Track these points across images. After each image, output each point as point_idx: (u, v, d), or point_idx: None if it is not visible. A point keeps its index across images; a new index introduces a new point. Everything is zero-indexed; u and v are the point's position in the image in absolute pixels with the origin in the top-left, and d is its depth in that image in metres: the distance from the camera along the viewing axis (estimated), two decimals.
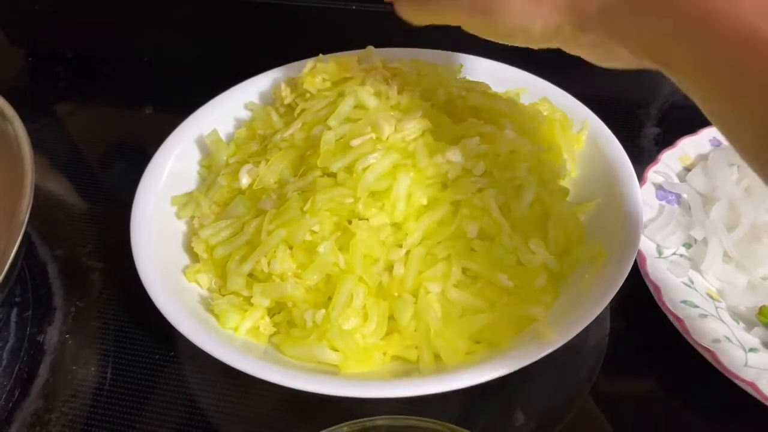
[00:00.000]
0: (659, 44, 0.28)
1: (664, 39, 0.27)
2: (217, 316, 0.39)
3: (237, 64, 0.57)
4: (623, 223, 0.40)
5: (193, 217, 0.45)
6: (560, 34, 0.31)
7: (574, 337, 0.35)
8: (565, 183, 0.45)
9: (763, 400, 0.35)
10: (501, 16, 0.32)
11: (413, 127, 0.41)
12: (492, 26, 0.33)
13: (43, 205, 0.52)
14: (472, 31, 0.35)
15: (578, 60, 0.34)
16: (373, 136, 0.41)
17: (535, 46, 0.33)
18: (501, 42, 0.34)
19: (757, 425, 0.37)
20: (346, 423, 0.30)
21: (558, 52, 0.34)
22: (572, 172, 0.46)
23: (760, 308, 0.40)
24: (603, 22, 0.29)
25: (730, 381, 0.36)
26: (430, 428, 0.29)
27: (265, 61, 0.54)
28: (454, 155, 0.40)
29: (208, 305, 0.40)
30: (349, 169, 0.40)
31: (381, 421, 0.30)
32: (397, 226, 0.40)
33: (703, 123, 0.46)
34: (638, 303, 0.42)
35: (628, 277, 0.37)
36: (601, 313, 0.43)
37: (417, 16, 0.37)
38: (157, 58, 0.70)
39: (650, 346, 0.42)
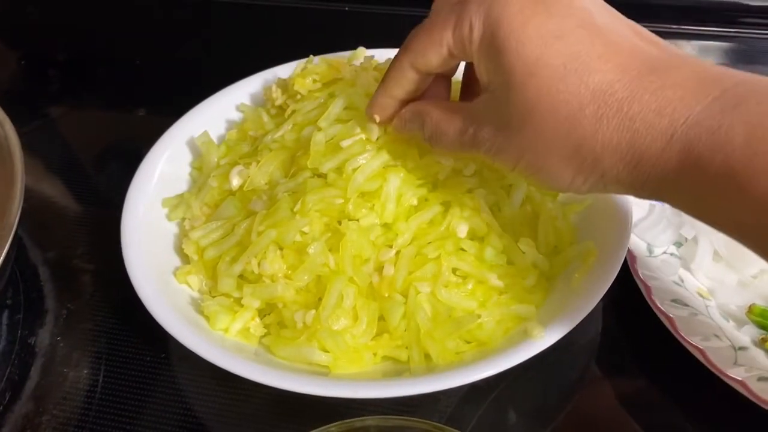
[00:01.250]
0: (714, 210, 0.28)
1: (723, 210, 0.28)
2: (207, 318, 0.39)
3: (229, 65, 0.57)
4: (613, 223, 0.40)
5: (184, 219, 0.45)
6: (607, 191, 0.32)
7: (565, 337, 0.35)
8: None
9: (753, 399, 0.35)
10: (547, 179, 0.32)
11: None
12: (538, 182, 0.34)
13: (34, 207, 0.52)
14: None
15: None
16: (363, 137, 0.41)
17: None
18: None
19: (746, 423, 0.37)
20: (335, 423, 0.30)
21: None
22: None
23: (750, 306, 0.40)
24: (657, 191, 0.29)
25: (720, 379, 0.36)
26: (418, 428, 0.29)
27: (258, 63, 0.54)
28: (445, 161, 0.40)
29: (198, 307, 0.40)
30: (339, 169, 0.40)
31: (370, 421, 0.30)
32: (387, 226, 0.40)
33: None
34: (630, 302, 0.42)
35: (619, 276, 0.37)
36: (592, 313, 0.43)
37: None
38: (149, 61, 0.70)
39: (641, 344, 0.42)
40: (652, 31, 0.32)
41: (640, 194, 0.30)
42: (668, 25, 0.67)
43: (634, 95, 0.28)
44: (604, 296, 0.37)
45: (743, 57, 0.66)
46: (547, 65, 0.29)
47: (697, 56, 0.65)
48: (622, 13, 0.32)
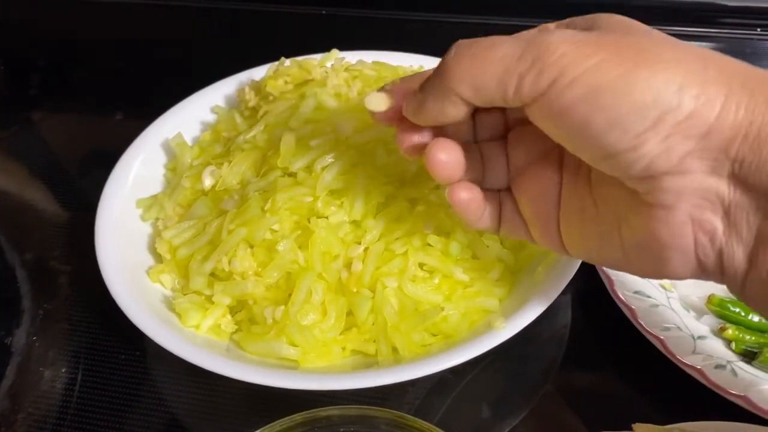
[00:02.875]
0: None
1: None
2: (179, 315, 0.40)
3: (207, 69, 0.57)
4: None
5: (157, 219, 0.46)
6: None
7: (533, 329, 0.36)
8: None
9: (710, 386, 0.36)
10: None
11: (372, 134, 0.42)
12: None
13: (12, 209, 0.53)
14: None
15: None
16: (333, 136, 0.42)
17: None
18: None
19: (705, 410, 0.38)
20: (300, 413, 0.31)
21: None
22: None
23: (709, 297, 0.42)
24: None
25: (680, 368, 0.37)
26: (380, 416, 0.30)
27: (236, 66, 0.55)
28: (410, 160, 0.41)
29: (171, 305, 0.41)
30: (308, 168, 0.41)
31: (333, 410, 0.31)
32: (355, 223, 0.40)
33: None
34: (597, 295, 0.43)
35: (586, 270, 0.38)
36: (560, 305, 0.44)
37: None
38: (127, 65, 0.71)
39: (607, 335, 0.43)
40: None
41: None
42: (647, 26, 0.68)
43: None
44: (571, 289, 0.37)
45: None
46: None
47: None
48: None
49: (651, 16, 0.67)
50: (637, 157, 0.25)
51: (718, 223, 0.26)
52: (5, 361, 0.43)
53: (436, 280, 0.39)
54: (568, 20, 0.30)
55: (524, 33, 0.28)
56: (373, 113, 0.32)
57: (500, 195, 0.33)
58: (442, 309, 0.38)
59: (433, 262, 0.39)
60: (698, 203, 0.25)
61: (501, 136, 0.33)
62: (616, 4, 0.72)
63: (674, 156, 0.25)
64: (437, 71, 0.28)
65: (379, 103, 0.32)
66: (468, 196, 0.31)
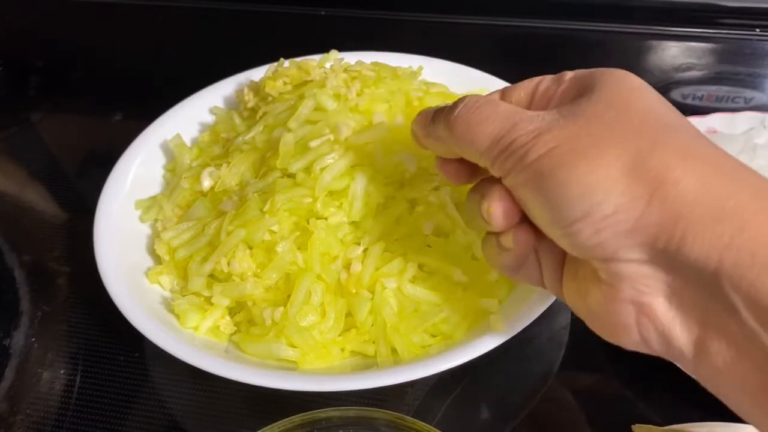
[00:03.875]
0: None
1: None
2: (177, 316, 0.39)
3: (206, 69, 0.57)
4: None
5: (156, 220, 0.46)
6: None
7: (532, 330, 0.36)
8: None
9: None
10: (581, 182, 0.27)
11: (371, 135, 0.42)
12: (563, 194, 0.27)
13: (11, 211, 0.53)
14: None
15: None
16: (332, 137, 0.42)
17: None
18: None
19: (705, 411, 0.38)
20: (299, 415, 0.31)
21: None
22: None
23: None
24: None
25: (683, 372, 0.37)
26: (379, 418, 0.30)
27: (235, 67, 0.55)
28: (409, 161, 0.41)
29: (169, 306, 0.40)
30: (307, 169, 0.41)
31: (332, 412, 0.31)
32: (355, 224, 0.40)
33: None
34: None
35: None
36: (560, 306, 0.44)
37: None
38: (126, 66, 0.71)
39: None
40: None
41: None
42: (645, 26, 0.68)
43: None
44: None
45: (725, 58, 0.67)
46: None
47: (678, 57, 0.67)
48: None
49: (651, 17, 0.68)
50: (573, 244, 0.27)
51: (658, 307, 0.26)
52: (4, 363, 0.43)
53: (435, 281, 0.39)
54: (572, 74, 0.30)
55: (522, 96, 0.31)
56: (415, 134, 0.35)
57: None
58: (442, 310, 0.38)
59: (433, 263, 0.39)
60: (638, 286, 0.26)
61: None
62: (616, 4, 0.72)
63: (608, 248, 0.26)
64: (445, 120, 0.31)
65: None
66: (529, 239, 0.31)
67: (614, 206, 0.25)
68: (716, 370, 0.25)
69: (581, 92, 0.29)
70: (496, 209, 0.30)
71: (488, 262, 0.33)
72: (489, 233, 0.33)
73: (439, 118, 0.32)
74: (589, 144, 0.26)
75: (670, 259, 0.24)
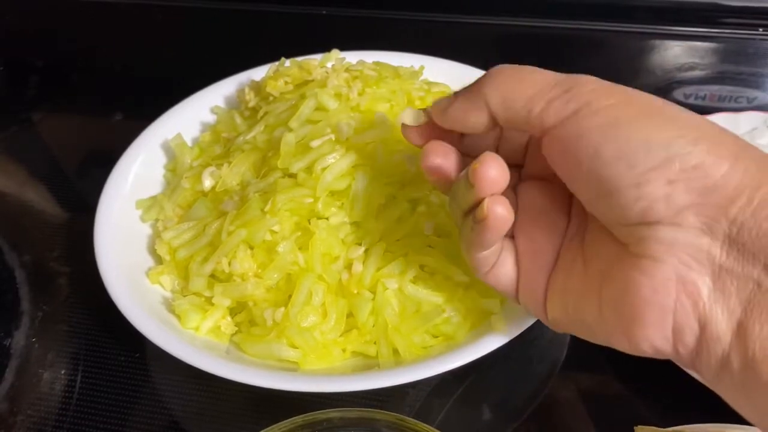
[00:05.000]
0: None
1: None
2: (178, 317, 0.39)
3: (207, 69, 0.57)
4: None
5: (157, 220, 0.45)
6: None
7: (536, 331, 0.36)
8: None
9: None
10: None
11: (372, 135, 0.42)
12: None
13: (11, 211, 0.53)
14: None
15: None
16: (333, 137, 0.41)
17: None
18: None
19: (707, 412, 0.38)
20: (300, 416, 0.31)
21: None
22: None
23: None
24: None
25: (686, 373, 0.37)
26: (380, 419, 0.30)
27: (236, 67, 0.55)
28: (410, 161, 0.41)
29: (170, 306, 0.40)
30: (308, 169, 0.41)
31: (333, 413, 0.30)
32: (356, 224, 0.40)
33: None
34: None
35: None
36: None
37: None
38: (126, 66, 0.71)
39: None
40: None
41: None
42: (647, 26, 0.68)
43: None
44: None
45: (727, 58, 0.67)
46: None
47: (681, 57, 0.67)
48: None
49: (652, 16, 0.68)
50: (637, 197, 0.25)
51: (703, 287, 0.25)
52: (4, 363, 0.43)
53: (437, 282, 0.39)
54: None
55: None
56: (404, 128, 0.34)
57: (503, 241, 0.32)
58: (443, 311, 0.37)
59: (434, 263, 0.39)
60: (686, 261, 0.25)
61: (513, 185, 0.33)
62: (616, 4, 0.72)
63: (673, 204, 0.25)
64: (477, 79, 0.30)
65: (413, 118, 0.34)
66: (504, 213, 0.29)
67: (699, 159, 0.24)
68: (752, 360, 0.23)
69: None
70: (483, 164, 0.28)
71: (463, 251, 0.32)
72: (466, 215, 0.30)
73: (467, 86, 0.30)
74: (661, 110, 0.26)
75: (736, 231, 0.24)
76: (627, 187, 0.25)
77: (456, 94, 0.31)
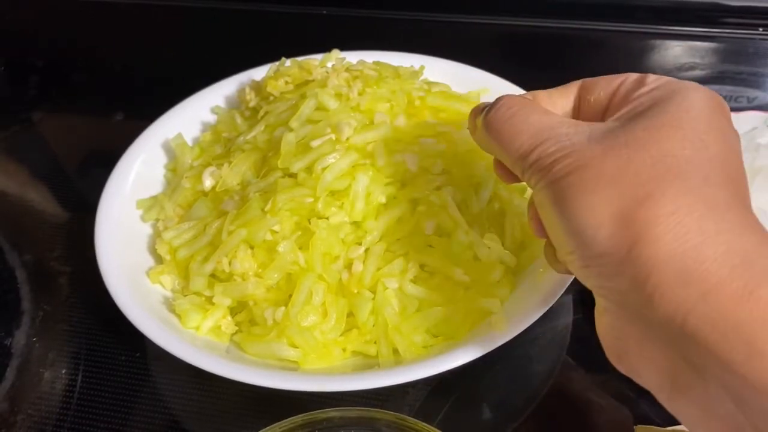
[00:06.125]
0: None
1: None
2: (179, 316, 0.39)
3: (207, 69, 0.57)
4: None
5: (157, 220, 0.45)
6: None
7: (535, 330, 0.36)
8: None
9: None
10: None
11: (373, 135, 0.42)
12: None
13: (12, 210, 0.53)
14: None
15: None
16: (333, 137, 0.41)
17: None
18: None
19: None
20: (300, 415, 0.31)
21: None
22: None
23: None
24: None
25: None
26: (380, 418, 0.30)
27: (236, 67, 0.55)
28: (411, 161, 0.41)
29: (171, 306, 0.40)
30: (309, 169, 0.41)
31: (333, 412, 0.31)
32: (356, 224, 0.40)
33: None
34: None
35: None
36: (562, 306, 0.44)
37: None
38: (127, 65, 0.71)
39: None
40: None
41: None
42: (648, 26, 0.68)
43: None
44: (573, 290, 0.37)
45: (727, 58, 0.67)
46: None
47: (681, 57, 0.67)
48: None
49: (652, 16, 0.68)
50: (572, 271, 0.29)
51: (631, 351, 0.27)
52: (5, 362, 0.43)
53: (437, 281, 0.39)
54: (654, 82, 0.29)
55: (602, 96, 0.31)
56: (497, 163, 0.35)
57: None
58: (443, 310, 0.37)
59: (434, 263, 0.39)
60: (615, 327, 0.28)
61: None
62: (618, 4, 0.72)
63: (592, 284, 0.27)
64: (483, 121, 0.32)
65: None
66: None
67: (601, 249, 0.25)
68: (687, 422, 0.26)
69: (655, 101, 0.28)
70: (531, 220, 0.31)
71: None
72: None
73: (478, 118, 0.32)
74: (600, 177, 0.26)
75: (641, 314, 0.25)
76: (563, 260, 0.29)
77: (471, 119, 0.34)
